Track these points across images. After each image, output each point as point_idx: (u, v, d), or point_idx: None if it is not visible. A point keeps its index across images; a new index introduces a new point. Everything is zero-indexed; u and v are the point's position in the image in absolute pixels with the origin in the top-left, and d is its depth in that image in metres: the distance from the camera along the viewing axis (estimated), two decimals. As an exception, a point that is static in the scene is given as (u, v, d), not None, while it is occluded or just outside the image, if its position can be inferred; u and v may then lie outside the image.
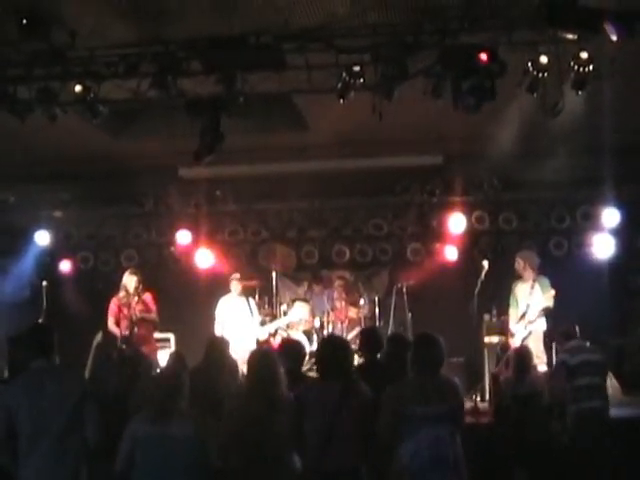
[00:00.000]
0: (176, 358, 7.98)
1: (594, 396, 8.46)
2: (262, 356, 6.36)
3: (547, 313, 11.00)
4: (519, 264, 11.47)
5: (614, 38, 6.68)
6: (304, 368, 7.85)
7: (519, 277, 11.47)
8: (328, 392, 5.86)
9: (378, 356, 7.38)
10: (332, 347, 6.34)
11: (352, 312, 12.52)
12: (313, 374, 7.28)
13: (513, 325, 11.31)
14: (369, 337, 7.60)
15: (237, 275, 11.98)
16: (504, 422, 8.49)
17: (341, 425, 5.75)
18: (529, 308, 11.13)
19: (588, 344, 9.01)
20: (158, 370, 8.62)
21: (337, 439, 5.74)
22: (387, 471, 5.78)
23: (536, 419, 8.22)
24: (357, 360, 10.32)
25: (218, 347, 7.97)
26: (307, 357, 8.47)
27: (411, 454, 5.63)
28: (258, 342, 11.59)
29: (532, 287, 11.22)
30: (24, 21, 7.33)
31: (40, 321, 10.69)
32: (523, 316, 11.18)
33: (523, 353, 8.91)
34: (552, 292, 11.03)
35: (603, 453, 8.12)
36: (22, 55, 7.98)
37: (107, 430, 5.76)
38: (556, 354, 9.96)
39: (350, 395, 5.84)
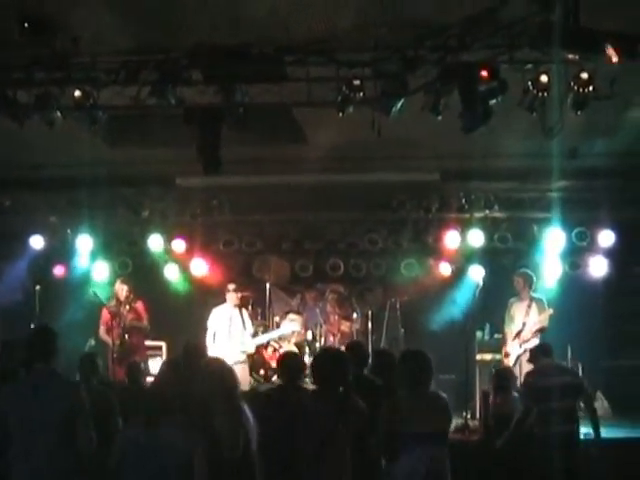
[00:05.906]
0: (168, 366, 7.87)
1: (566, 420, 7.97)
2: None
3: (542, 333, 11.04)
4: (518, 283, 11.52)
5: (615, 60, 6.68)
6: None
7: (517, 295, 11.50)
8: (325, 405, 5.81)
9: (364, 371, 7.33)
10: (329, 359, 6.24)
11: (345, 326, 12.52)
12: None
13: (509, 343, 11.32)
14: (354, 352, 7.50)
15: (233, 286, 11.94)
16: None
17: (336, 439, 5.70)
18: (525, 327, 11.17)
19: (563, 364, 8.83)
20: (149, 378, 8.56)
21: (332, 452, 5.69)
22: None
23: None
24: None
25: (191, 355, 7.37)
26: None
27: (406, 473, 5.61)
28: (248, 356, 11.59)
29: (529, 306, 11.29)
30: (26, 25, 7.31)
31: (43, 325, 10.59)
32: (518, 334, 11.21)
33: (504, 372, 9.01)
34: (550, 311, 11.07)
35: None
36: (23, 59, 7.94)
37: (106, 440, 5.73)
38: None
39: (347, 410, 5.80)
